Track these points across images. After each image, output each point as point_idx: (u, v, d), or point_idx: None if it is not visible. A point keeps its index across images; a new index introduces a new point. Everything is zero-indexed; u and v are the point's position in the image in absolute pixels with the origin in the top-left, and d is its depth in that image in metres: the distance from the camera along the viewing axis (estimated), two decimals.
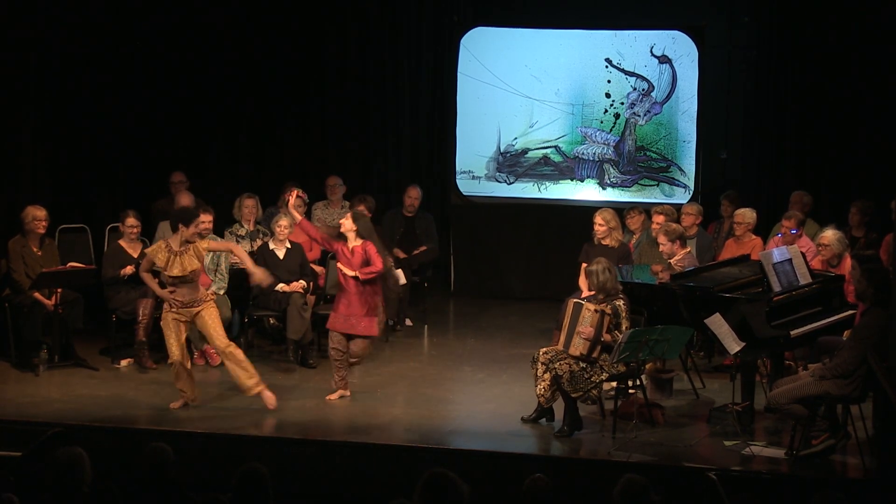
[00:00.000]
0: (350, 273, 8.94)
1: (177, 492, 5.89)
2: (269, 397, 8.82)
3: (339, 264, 9.06)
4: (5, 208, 10.78)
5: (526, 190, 12.89)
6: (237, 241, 10.79)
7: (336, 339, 9.02)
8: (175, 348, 8.79)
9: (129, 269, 10.11)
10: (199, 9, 12.57)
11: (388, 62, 13.26)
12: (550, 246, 12.77)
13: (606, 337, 8.19)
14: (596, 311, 8.18)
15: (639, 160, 12.60)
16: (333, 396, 9.09)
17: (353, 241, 9.01)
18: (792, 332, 8.23)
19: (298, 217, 9.48)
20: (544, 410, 8.48)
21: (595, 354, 8.22)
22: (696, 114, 12.35)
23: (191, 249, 8.76)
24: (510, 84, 12.79)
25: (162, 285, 8.94)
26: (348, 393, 9.13)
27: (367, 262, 8.94)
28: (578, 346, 8.24)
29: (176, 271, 8.72)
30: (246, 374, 8.81)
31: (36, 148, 11.29)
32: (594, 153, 12.69)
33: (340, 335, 9.00)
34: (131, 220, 10.34)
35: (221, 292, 10.24)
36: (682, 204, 11.41)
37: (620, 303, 8.32)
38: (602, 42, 12.58)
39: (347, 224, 9.04)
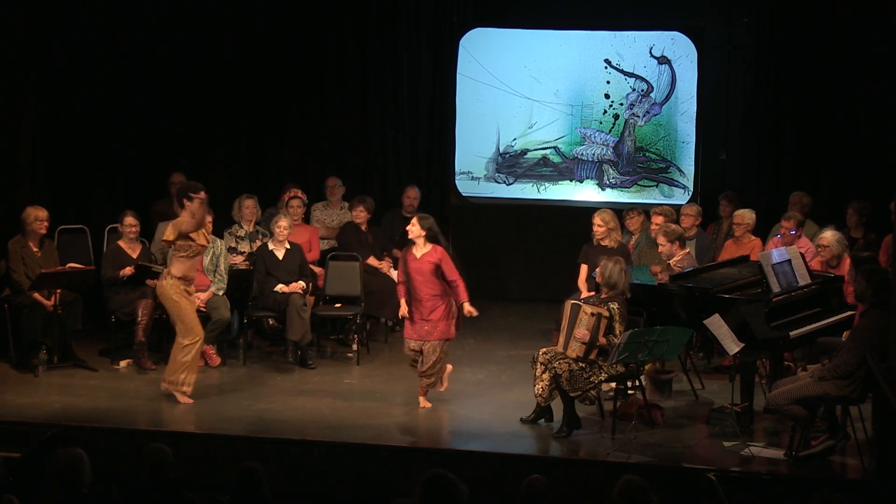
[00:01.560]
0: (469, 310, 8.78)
1: (176, 492, 5.89)
2: (185, 401, 9.00)
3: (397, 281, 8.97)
4: (5, 208, 10.78)
5: (525, 191, 12.89)
6: (236, 242, 10.81)
7: (409, 345, 8.88)
8: (198, 324, 9.00)
9: (128, 271, 10.12)
10: (199, 9, 12.57)
11: (388, 63, 13.25)
12: (549, 247, 12.77)
13: (602, 340, 8.19)
14: (592, 314, 8.18)
15: (638, 161, 12.61)
16: (425, 404, 8.94)
17: (423, 248, 8.83)
18: (791, 333, 8.24)
19: (402, 297, 8.94)
20: (543, 411, 8.48)
21: (592, 357, 8.23)
22: (695, 114, 12.37)
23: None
24: (509, 85, 12.80)
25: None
26: (428, 404, 8.93)
27: (437, 272, 8.74)
28: (575, 349, 8.24)
29: (202, 241, 8.97)
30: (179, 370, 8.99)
31: (35, 148, 11.29)
32: (593, 154, 12.70)
33: (412, 342, 8.84)
34: (130, 220, 10.34)
35: (220, 293, 10.23)
36: (681, 205, 11.42)
37: (615, 305, 8.32)
38: (601, 43, 12.59)
39: (415, 230, 8.79)
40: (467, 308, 8.81)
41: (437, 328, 8.77)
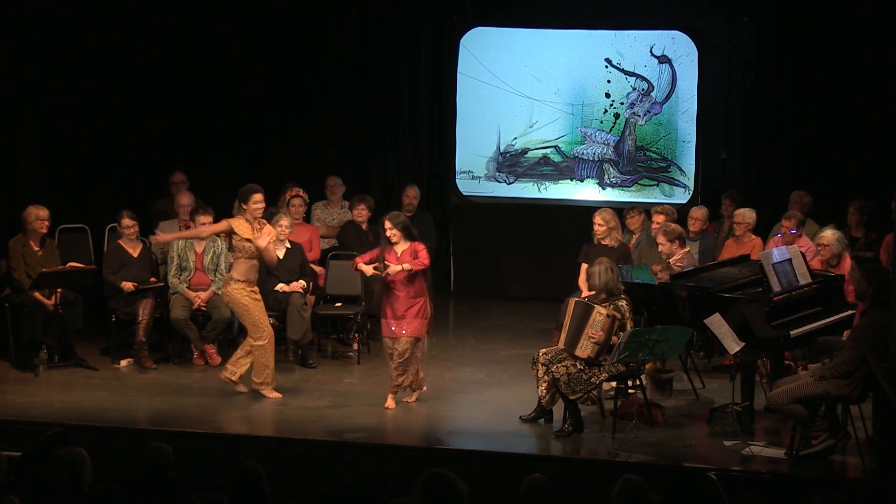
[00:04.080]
0: (396, 269, 8.68)
1: (177, 492, 5.89)
2: (274, 395, 9.08)
3: (388, 264, 8.84)
4: (6, 208, 10.79)
5: (526, 190, 12.89)
6: None
7: (387, 343, 8.92)
8: (268, 323, 9.06)
9: (129, 286, 10.08)
10: (199, 8, 12.57)
11: (388, 62, 13.26)
12: (550, 246, 12.77)
13: (613, 339, 8.19)
14: (608, 316, 8.16)
15: (638, 160, 12.61)
16: (391, 403, 8.97)
17: (402, 246, 8.84)
18: (792, 332, 8.23)
19: (367, 269, 8.99)
20: (543, 410, 8.48)
21: (602, 357, 8.23)
22: (695, 114, 12.36)
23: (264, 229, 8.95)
24: (510, 84, 12.80)
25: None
26: (393, 404, 8.95)
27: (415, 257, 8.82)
28: (587, 349, 8.22)
29: (261, 242, 8.95)
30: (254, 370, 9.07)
31: (36, 148, 11.29)
32: (594, 153, 12.70)
33: (389, 340, 8.88)
34: (127, 221, 10.33)
35: (221, 292, 10.21)
36: (681, 204, 11.41)
37: (623, 303, 8.33)
38: (602, 42, 12.58)
39: (394, 233, 8.78)
40: (395, 267, 8.72)
41: (411, 325, 8.79)
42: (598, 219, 10.12)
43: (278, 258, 10.31)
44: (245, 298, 8.95)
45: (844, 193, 11.31)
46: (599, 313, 8.20)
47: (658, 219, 10.21)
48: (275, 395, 9.09)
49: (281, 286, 10.20)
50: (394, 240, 8.82)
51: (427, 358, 10.56)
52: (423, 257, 8.79)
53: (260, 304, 9.06)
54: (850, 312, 8.69)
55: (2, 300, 10.08)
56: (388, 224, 8.85)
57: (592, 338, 8.19)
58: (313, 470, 7.95)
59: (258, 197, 9.00)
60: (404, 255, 8.80)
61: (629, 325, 8.23)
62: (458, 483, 5.12)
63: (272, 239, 9.11)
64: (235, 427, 8.49)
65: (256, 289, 9.06)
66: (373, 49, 13.22)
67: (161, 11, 12.31)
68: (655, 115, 12.53)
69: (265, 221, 9.13)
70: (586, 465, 7.84)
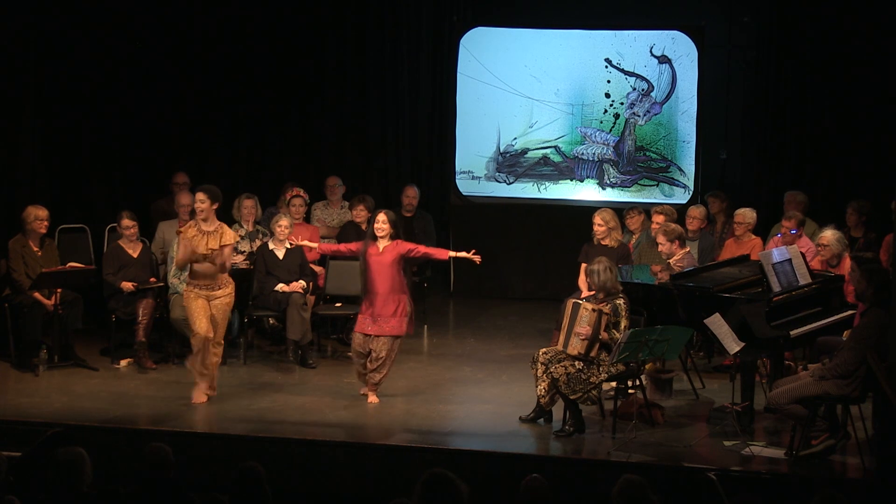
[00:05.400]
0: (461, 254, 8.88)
1: (177, 492, 5.89)
2: (200, 398, 8.93)
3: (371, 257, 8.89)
4: (5, 208, 10.78)
5: (526, 190, 12.89)
6: (236, 241, 10.79)
7: (357, 340, 8.92)
8: (199, 328, 8.84)
9: (129, 287, 10.07)
10: (199, 9, 12.58)
11: (388, 62, 13.27)
12: (550, 246, 12.77)
13: (604, 335, 8.19)
14: (594, 310, 8.19)
15: (638, 160, 12.61)
16: (373, 399, 9.02)
17: (385, 242, 8.86)
18: (791, 333, 8.23)
19: (315, 245, 9.48)
20: (542, 410, 8.48)
21: (593, 354, 8.23)
22: (695, 114, 12.36)
23: (218, 231, 8.82)
24: (510, 84, 12.80)
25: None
26: (376, 399, 9.01)
27: (395, 265, 8.81)
28: (576, 346, 8.25)
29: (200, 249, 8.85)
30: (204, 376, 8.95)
31: (35, 148, 11.29)
32: (594, 153, 12.70)
33: (361, 336, 8.89)
34: (126, 222, 10.32)
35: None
36: (681, 204, 11.39)
37: (621, 301, 8.33)
38: (602, 42, 12.58)
39: (386, 228, 8.81)
40: (463, 254, 8.90)
41: (389, 323, 8.81)
42: (597, 219, 10.13)
43: (278, 258, 10.33)
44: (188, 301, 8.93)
45: (844, 193, 11.32)
46: (585, 308, 8.22)
47: (658, 219, 10.21)
48: (201, 399, 8.97)
49: (281, 286, 10.21)
50: (380, 234, 8.85)
51: (427, 358, 10.60)
52: (413, 246, 8.93)
53: (200, 303, 8.89)
54: (850, 312, 8.69)
55: (2, 300, 10.08)
56: (383, 217, 8.89)
57: (580, 334, 8.20)
58: (313, 470, 7.95)
59: (199, 196, 8.89)
60: (386, 251, 8.82)
61: (624, 324, 8.23)
62: (458, 483, 5.12)
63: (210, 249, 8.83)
64: (235, 427, 8.48)
65: (209, 291, 8.89)
66: (373, 49, 13.22)
67: (161, 11, 12.30)
68: (655, 115, 12.53)
69: (211, 226, 8.87)
70: (586, 465, 7.84)
